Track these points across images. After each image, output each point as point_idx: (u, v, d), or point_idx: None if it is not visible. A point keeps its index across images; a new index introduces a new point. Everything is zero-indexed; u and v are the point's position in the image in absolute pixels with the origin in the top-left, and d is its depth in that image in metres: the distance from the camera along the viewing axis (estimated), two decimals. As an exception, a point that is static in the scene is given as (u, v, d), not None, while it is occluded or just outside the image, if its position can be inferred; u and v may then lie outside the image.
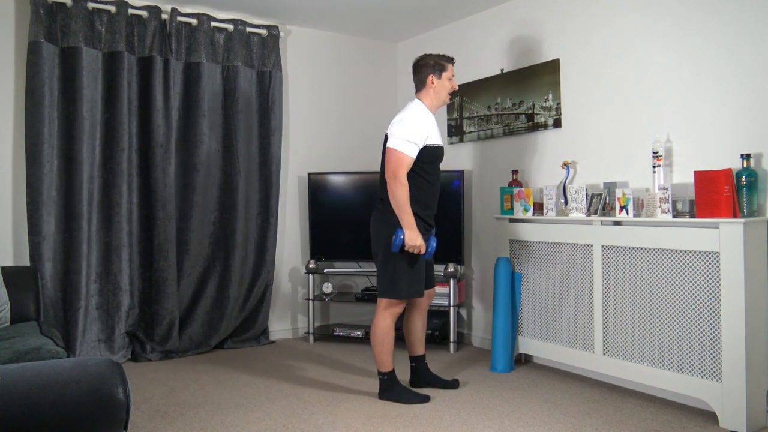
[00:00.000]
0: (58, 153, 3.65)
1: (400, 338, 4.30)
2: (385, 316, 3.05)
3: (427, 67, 3.07)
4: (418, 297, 3.08)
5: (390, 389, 3.08)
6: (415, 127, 2.94)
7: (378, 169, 4.74)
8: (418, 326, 3.26)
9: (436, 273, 3.32)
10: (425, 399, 3.07)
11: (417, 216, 2.99)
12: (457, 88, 3.16)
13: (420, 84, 3.10)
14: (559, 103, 3.67)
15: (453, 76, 3.12)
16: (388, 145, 2.95)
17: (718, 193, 2.69)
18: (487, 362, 3.75)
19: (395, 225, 2.95)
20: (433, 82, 3.06)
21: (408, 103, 3.11)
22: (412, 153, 2.92)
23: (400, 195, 2.88)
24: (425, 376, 3.27)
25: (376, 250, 3.09)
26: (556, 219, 3.46)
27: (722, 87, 2.91)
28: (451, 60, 3.14)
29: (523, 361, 3.79)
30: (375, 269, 4.44)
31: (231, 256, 4.18)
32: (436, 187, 3.10)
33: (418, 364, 3.28)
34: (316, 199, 4.48)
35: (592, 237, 3.26)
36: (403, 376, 3.54)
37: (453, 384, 3.25)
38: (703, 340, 2.78)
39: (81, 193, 3.66)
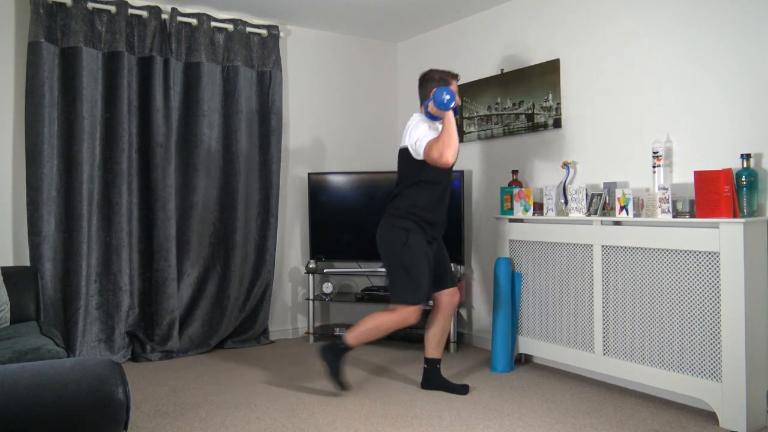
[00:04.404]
0: (58, 153, 3.65)
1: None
2: (395, 317, 3.07)
3: (432, 81, 3.14)
4: (423, 303, 3.09)
5: (333, 362, 3.11)
6: (425, 127, 3.04)
7: (379, 169, 4.73)
8: (436, 329, 3.23)
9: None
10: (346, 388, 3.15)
11: (422, 220, 3.05)
12: (459, 103, 3.19)
13: (425, 97, 3.16)
14: (559, 103, 3.67)
15: (456, 92, 3.15)
16: (420, 147, 2.98)
17: (718, 193, 2.69)
18: (487, 362, 3.75)
19: (399, 228, 3.03)
20: None
21: (412, 115, 3.19)
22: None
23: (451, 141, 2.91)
24: (435, 380, 3.25)
25: (385, 254, 3.14)
26: (556, 219, 3.46)
27: (722, 87, 2.91)
28: (455, 76, 3.19)
29: (523, 361, 3.79)
30: (374, 270, 4.49)
31: (231, 256, 4.18)
32: (443, 196, 3.14)
33: (429, 368, 3.26)
34: (316, 199, 4.48)
35: (592, 237, 3.25)
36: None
37: (462, 389, 3.20)
38: (703, 340, 2.78)
39: (81, 193, 3.66)
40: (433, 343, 3.23)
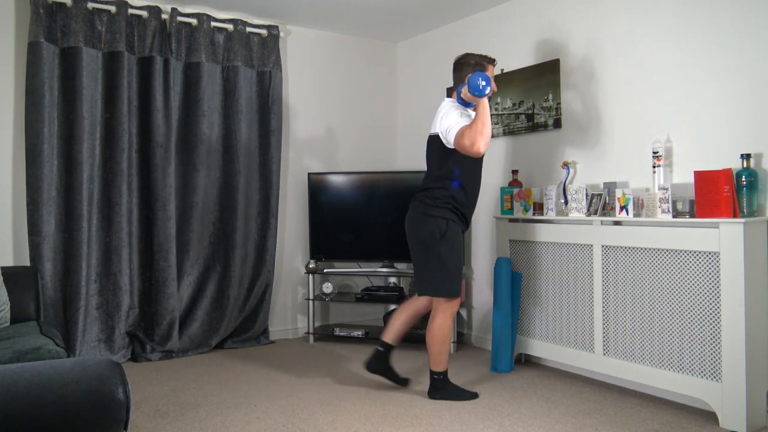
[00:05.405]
0: (58, 153, 3.65)
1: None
2: (446, 316, 3.05)
3: (467, 66, 3.07)
4: (460, 294, 3.07)
5: (443, 388, 3.09)
6: (457, 114, 2.98)
7: (379, 169, 4.72)
8: (408, 322, 3.22)
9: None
10: (475, 395, 3.11)
11: (459, 211, 3.03)
12: (495, 89, 3.11)
13: (459, 82, 3.09)
14: (559, 103, 3.67)
15: (493, 77, 3.10)
16: (450, 134, 2.92)
17: (718, 193, 2.69)
18: (487, 362, 3.75)
19: (437, 217, 2.98)
20: None
21: (443, 101, 3.14)
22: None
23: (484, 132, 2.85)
24: (382, 364, 3.22)
25: (418, 245, 3.07)
26: (556, 219, 3.46)
27: (722, 87, 2.91)
28: (492, 61, 3.13)
29: (523, 361, 3.79)
30: (374, 270, 4.49)
31: (231, 256, 4.18)
32: (476, 189, 3.14)
33: (385, 351, 3.22)
34: (316, 199, 4.48)
35: (592, 237, 3.25)
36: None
37: (404, 381, 3.24)
38: (703, 340, 2.78)
39: (81, 193, 3.66)
40: (395, 331, 3.20)
